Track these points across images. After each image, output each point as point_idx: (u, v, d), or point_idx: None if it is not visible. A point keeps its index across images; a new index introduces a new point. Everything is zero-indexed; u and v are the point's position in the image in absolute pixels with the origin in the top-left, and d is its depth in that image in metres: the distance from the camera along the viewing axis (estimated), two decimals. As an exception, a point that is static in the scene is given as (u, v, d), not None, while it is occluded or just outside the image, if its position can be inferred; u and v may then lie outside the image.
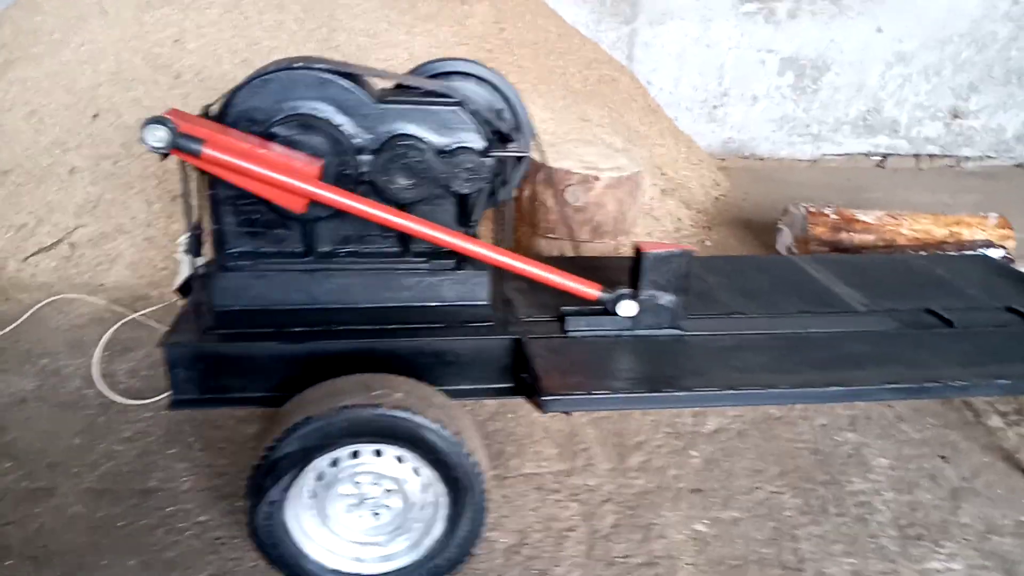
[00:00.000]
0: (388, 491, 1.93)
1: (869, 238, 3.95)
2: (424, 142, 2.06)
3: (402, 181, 2.06)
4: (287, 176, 1.89)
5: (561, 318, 2.11)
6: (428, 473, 1.89)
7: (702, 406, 1.95)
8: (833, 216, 3.98)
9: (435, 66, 2.35)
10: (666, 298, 2.01)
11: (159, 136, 1.81)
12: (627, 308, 2.03)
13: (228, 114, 2.00)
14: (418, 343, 2.06)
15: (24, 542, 2.13)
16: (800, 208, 4.03)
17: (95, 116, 3.96)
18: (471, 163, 2.06)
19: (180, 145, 1.82)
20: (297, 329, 2.05)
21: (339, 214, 2.02)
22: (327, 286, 2.12)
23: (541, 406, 1.79)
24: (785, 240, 4.16)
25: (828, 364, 1.96)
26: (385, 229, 2.17)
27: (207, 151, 1.82)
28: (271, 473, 1.81)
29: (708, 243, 4.58)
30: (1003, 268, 2.77)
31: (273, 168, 1.88)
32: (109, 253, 3.71)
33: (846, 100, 6.27)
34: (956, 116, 6.47)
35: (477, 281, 2.18)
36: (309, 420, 1.77)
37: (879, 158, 6.54)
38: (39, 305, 3.33)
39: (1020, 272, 2.72)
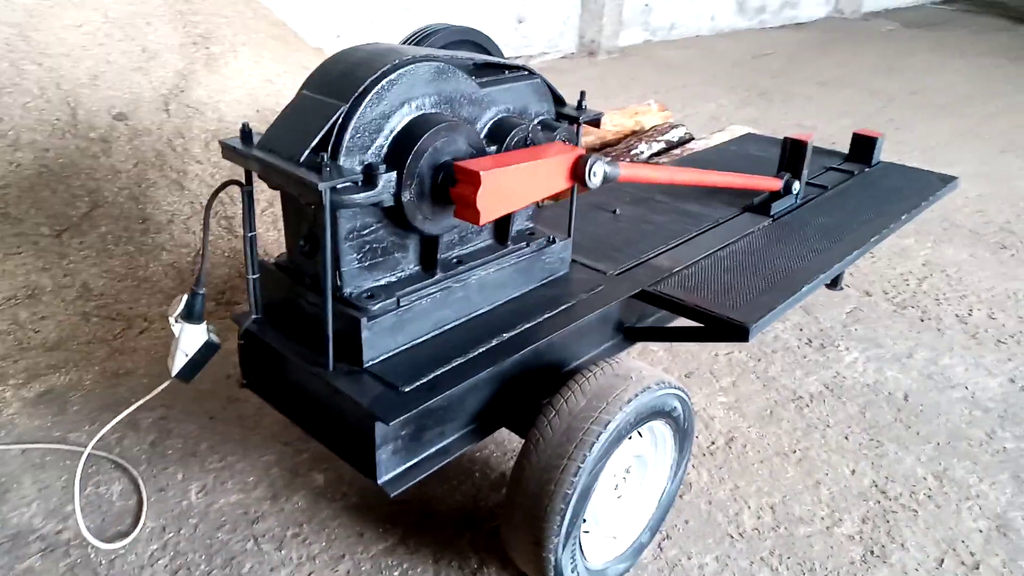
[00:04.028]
0: (627, 470, 1.96)
1: (590, 139, 4.62)
2: (523, 119, 1.95)
3: (521, 165, 1.93)
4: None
5: (753, 208, 2.68)
6: (658, 433, 1.97)
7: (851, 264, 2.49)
8: (564, 125, 4.52)
9: (440, 34, 2.14)
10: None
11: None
12: (797, 186, 2.72)
13: (348, 128, 1.61)
14: (575, 326, 2.01)
15: None
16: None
17: None
18: (567, 133, 2.03)
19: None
20: (479, 352, 1.83)
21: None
22: (455, 297, 1.91)
23: (745, 337, 1.99)
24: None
25: (833, 232, 2.56)
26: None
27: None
28: (581, 498, 1.70)
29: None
30: (766, 139, 3.68)
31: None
32: None
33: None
34: (520, 21, 7.50)
35: (567, 247, 2.18)
36: (607, 425, 1.70)
37: (474, 66, 7.26)
38: None
39: (779, 139, 3.63)
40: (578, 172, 1.83)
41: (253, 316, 1.92)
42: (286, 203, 1.80)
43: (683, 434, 2.00)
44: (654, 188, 2.92)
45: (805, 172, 2.76)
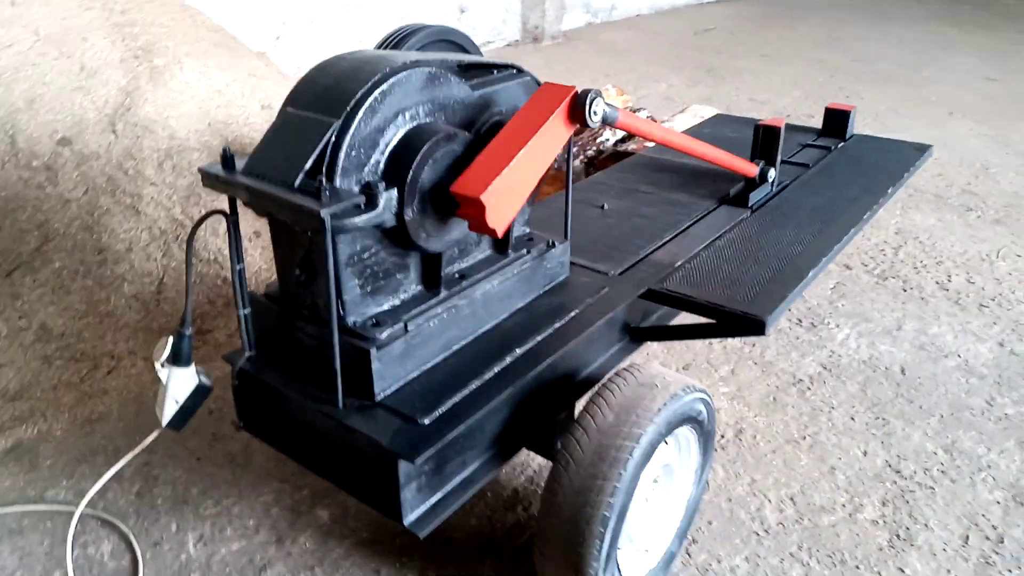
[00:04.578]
0: (655, 480, 1.88)
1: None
2: (515, 120, 1.85)
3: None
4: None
5: (729, 199, 2.60)
6: (682, 439, 1.90)
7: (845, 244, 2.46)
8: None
9: (418, 36, 2.02)
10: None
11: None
12: (773, 173, 2.64)
13: (343, 146, 1.49)
14: (587, 333, 1.92)
15: None
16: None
17: None
18: (561, 132, 1.93)
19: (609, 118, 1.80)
20: (495, 371, 1.72)
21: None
22: (463, 315, 1.80)
23: (762, 331, 1.93)
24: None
25: (825, 213, 2.52)
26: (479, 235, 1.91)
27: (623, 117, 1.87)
28: (619, 518, 1.61)
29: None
30: (738, 120, 3.63)
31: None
32: None
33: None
34: (463, 11, 7.36)
35: (566, 250, 2.09)
36: (640, 440, 1.61)
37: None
38: None
39: (749, 119, 3.59)
40: (577, 113, 1.72)
41: (247, 354, 1.78)
42: (277, 230, 1.67)
43: (706, 437, 1.93)
44: (638, 179, 2.85)
45: (779, 159, 2.68)
